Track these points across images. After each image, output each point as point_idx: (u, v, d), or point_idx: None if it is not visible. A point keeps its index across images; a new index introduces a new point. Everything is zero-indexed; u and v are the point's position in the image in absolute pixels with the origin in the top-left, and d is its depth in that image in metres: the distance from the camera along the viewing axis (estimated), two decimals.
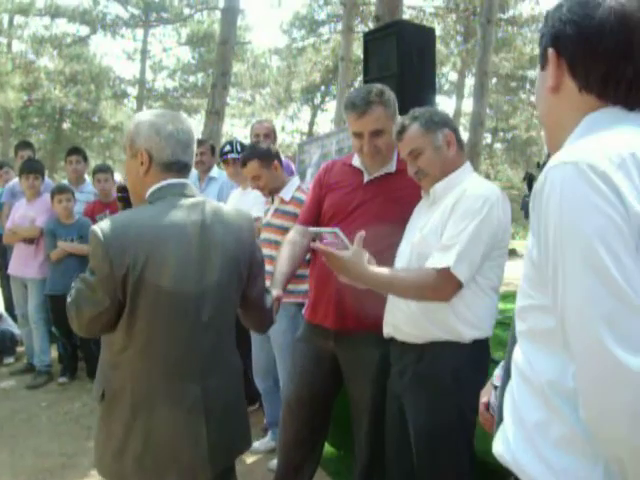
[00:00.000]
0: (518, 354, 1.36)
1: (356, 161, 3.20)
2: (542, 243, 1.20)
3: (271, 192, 4.29)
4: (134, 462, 2.20)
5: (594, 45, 1.28)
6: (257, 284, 2.51)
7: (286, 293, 3.11)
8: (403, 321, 2.72)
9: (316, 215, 3.26)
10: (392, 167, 3.11)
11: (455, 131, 2.79)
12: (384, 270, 2.61)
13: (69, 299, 2.27)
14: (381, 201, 3.04)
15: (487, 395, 2.10)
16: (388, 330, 2.84)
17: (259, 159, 4.26)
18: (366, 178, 3.14)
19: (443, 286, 2.54)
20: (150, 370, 2.22)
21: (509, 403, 1.38)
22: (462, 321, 2.62)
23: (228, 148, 5.22)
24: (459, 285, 2.54)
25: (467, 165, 2.83)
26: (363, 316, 2.97)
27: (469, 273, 2.54)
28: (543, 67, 1.41)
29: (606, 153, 1.15)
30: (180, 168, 2.33)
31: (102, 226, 2.15)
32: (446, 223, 2.61)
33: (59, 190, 6.23)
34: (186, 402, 2.22)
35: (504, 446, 1.36)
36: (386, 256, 2.85)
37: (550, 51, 1.36)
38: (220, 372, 2.33)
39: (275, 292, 2.84)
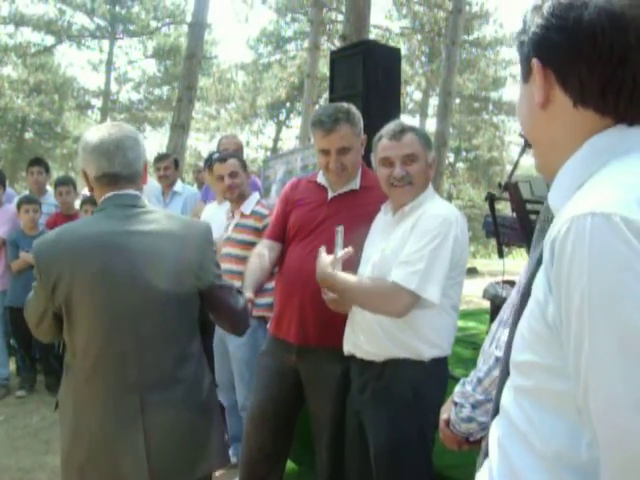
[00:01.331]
0: (513, 407, 1.22)
1: (321, 178, 3.24)
2: (563, 304, 1.03)
3: (240, 196, 4.31)
4: (78, 473, 2.23)
5: (586, 52, 1.10)
6: (217, 289, 2.41)
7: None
8: (364, 339, 2.74)
9: (282, 231, 3.29)
10: (356, 184, 3.16)
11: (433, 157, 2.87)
12: (349, 275, 2.69)
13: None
14: (345, 217, 3.07)
15: (447, 412, 2.12)
16: (348, 348, 2.86)
17: (238, 159, 4.42)
18: (330, 195, 3.18)
19: (397, 300, 2.57)
20: (90, 378, 2.24)
21: (500, 456, 1.24)
22: (422, 340, 2.66)
23: (217, 156, 5.24)
24: (414, 302, 2.58)
25: (430, 188, 2.87)
26: (325, 332, 3.00)
27: (437, 291, 2.58)
28: (526, 79, 1.23)
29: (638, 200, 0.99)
30: (111, 181, 2.30)
31: (38, 240, 2.30)
32: (406, 243, 2.64)
33: (27, 200, 6.17)
34: (125, 415, 2.20)
35: None
36: (351, 272, 2.89)
37: (535, 62, 1.16)
38: (166, 387, 2.25)
39: (247, 294, 2.85)
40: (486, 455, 1.38)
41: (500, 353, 1.69)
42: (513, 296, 1.82)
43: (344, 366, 2.96)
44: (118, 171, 2.29)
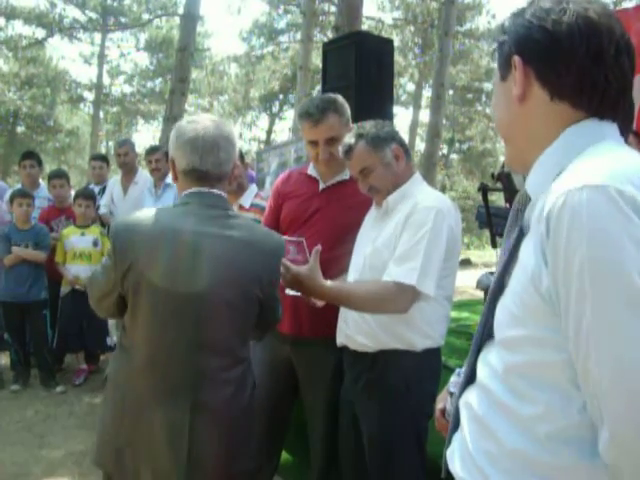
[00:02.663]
0: (496, 383, 1.27)
1: (311, 170, 3.26)
2: (561, 274, 1.08)
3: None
4: (115, 454, 2.25)
5: (566, 51, 1.22)
6: (272, 301, 2.43)
7: None
8: (356, 331, 2.74)
9: (275, 223, 3.30)
10: (346, 174, 3.16)
11: (402, 144, 2.81)
12: (340, 284, 2.66)
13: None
14: (336, 207, 3.09)
15: (443, 401, 2.12)
16: (341, 339, 2.86)
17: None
18: (321, 186, 3.19)
19: (403, 299, 2.57)
20: (144, 369, 2.23)
21: (479, 432, 1.31)
22: (415, 331, 2.66)
23: None
24: (416, 297, 2.58)
25: (417, 176, 2.86)
26: (318, 322, 3.00)
27: (433, 285, 2.58)
28: (504, 77, 1.34)
29: (626, 176, 1.07)
30: (199, 177, 2.30)
31: (117, 221, 2.35)
32: (399, 236, 2.63)
33: (20, 194, 6.13)
34: (173, 413, 2.19)
35: (467, 469, 1.33)
36: (344, 261, 2.93)
37: (516, 59, 1.28)
38: (216, 388, 2.27)
39: None
40: (454, 430, 1.46)
41: None
42: None
43: (338, 356, 2.97)
44: (209, 169, 2.29)
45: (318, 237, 3.02)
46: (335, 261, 2.90)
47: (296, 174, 3.39)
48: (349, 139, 2.77)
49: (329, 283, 2.56)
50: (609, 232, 1.03)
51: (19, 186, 6.95)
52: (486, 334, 1.40)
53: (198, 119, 2.35)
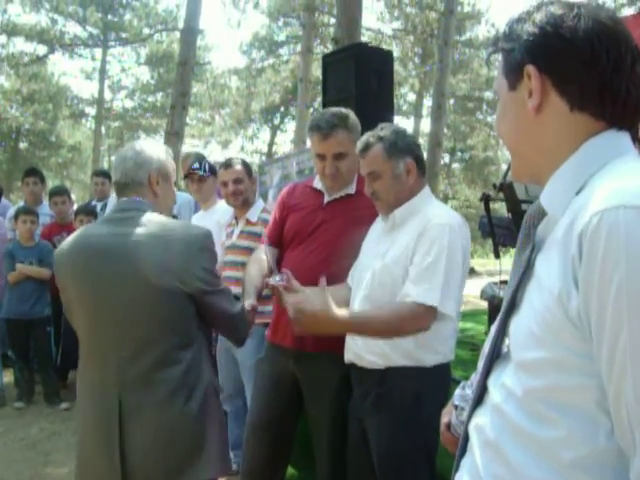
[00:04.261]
0: (512, 407, 1.21)
1: (317, 183, 3.25)
2: (594, 297, 1.04)
3: (244, 202, 4.27)
4: (76, 459, 2.45)
5: (587, 59, 1.17)
6: (208, 295, 2.39)
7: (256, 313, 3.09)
8: (365, 349, 2.71)
9: (279, 236, 3.29)
10: (352, 188, 3.15)
11: (417, 158, 2.77)
12: (357, 313, 2.61)
13: None
14: (341, 221, 3.08)
15: (448, 415, 2.11)
16: (349, 357, 2.83)
17: (243, 165, 4.34)
18: (326, 199, 3.18)
19: (424, 320, 2.53)
20: (81, 373, 2.43)
21: (492, 457, 1.25)
22: (426, 348, 2.63)
23: (197, 165, 5.22)
24: (436, 317, 2.54)
25: (426, 190, 2.82)
26: (322, 337, 2.99)
27: (454, 305, 2.56)
28: (514, 87, 1.27)
29: None
30: (117, 188, 2.53)
31: (59, 247, 2.55)
32: (412, 254, 2.60)
33: (25, 211, 6.16)
34: (102, 413, 2.29)
35: None
36: (346, 275, 2.94)
37: (531, 68, 1.21)
38: (144, 388, 2.29)
39: (249, 302, 2.80)
40: (462, 455, 1.40)
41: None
42: None
43: (343, 371, 2.94)
44: (118, 179, 2.50)
45: (321, 250, 3.03)
46: (338, 275, 2.90)
47: (301, 187, 3.39)
48: (368, 137, 2.75)
49: (344, 314, 2.44)
50: None
51: (22, 203, 6.96)
52: (496, 353, 1.35)
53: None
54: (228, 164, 4.33)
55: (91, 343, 2.38)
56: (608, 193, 1.06)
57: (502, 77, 1.31)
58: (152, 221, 2.37)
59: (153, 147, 2.57)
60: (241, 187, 4.25)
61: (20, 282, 5.96)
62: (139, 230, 2.32)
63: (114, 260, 2.29)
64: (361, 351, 2.73)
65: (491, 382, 1.33)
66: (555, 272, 1.12)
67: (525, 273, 1.25)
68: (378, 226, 2.91)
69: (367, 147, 2.73)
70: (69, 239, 2.49)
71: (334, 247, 3.02)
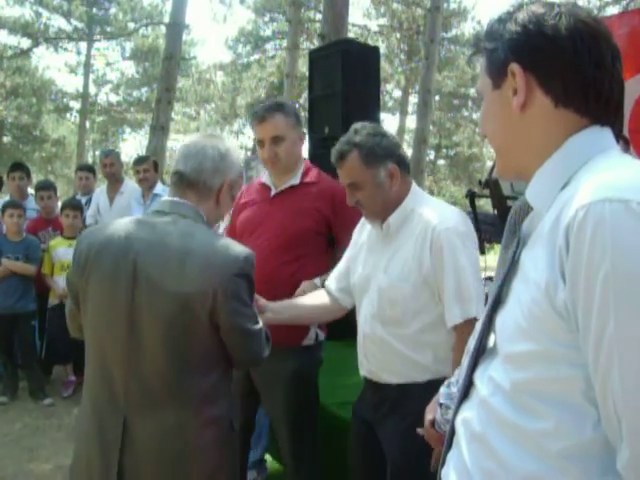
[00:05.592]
0: (500, 400, 1.22)
1: (265, 178, 3.31)
2: (582, 289, 1.05)
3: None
4: (70, 471, 2.23)
5: (570, 57, 1.19)
6: (226, 319, 2.10)
7: None
8: (380, 368, 2.63)
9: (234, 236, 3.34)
10: (296, 179, 3.20)
11: (399, 160, 2.59)
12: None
13: None
14: (285, 213, 3.12)
15: (432, 412, 2.11)
16: (364, 373, 2.74)
17: None
18: (272, 192, 3.24)
19: (470, 330, 2.44)
20: (87, 385, 2.21)
21: (479, 450, 1.25)
22: (443, 360, 2.51)
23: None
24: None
25: (414, 189, 2.66)
26: (273, 330, 3.01)
27: (482, 307, 2.41)
28: (498, 85, 1.28)
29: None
30: (176, 180, 2.23)
31: (84, 231, 2.34)
32: (421, 265, 2.45)
33: (12, 205, 6.11)
34: (106, 430, 2.09)
35: None
36: (294, 268, 3.00)
37: (515, 66, 1.23)
38: (153, 411, 2.08)
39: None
40: (448, 450, 1.40)
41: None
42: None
43: (296, 362, 3.04)
44: (185, 171, 2.21)
45: (267, 244, 3.07)
46: (284, 268, 2.98)
47: (255, 184, 3.44)
48: (342, 145, 2.56)
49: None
50: (634, 247, 1.01)
51: (7, 198, 6.92)
52: (482, 348, 1.36)
53: (204, 134, 2.35)
54: None
55: (98, 358, 2.14)
56: (594, 187, 1.07)
57: (485, 76, 1.32)
58: (198, 234, 2.12)
59: (237, 151, 2.35)
60: None
61: (5, 277, 5.92)
62: (180, 243, 2.07)
63: (142, 272, 2.05)
64: (376, 369, 2.65)
65: (477, 376, 1.33)
66: (542, 265, 1.13)
67: (511, 268, 1.26)
68: (370, 235, 2.76)
69: (342, 155, 2.55)
70: (99, 227, 2.26)
71: (279, 240, 3.07)
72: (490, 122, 1.34)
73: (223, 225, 4.41)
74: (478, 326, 1.41)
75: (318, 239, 3.15)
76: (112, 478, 2.05)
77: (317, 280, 3.04)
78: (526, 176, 1.30)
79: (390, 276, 2.54)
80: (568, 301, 1.08)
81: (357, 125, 2.63)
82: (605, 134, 1.23)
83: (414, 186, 2.68)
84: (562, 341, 1.11)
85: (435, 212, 2.53)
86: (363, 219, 2.82)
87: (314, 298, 2.90)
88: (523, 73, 1.23)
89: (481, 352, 1.36)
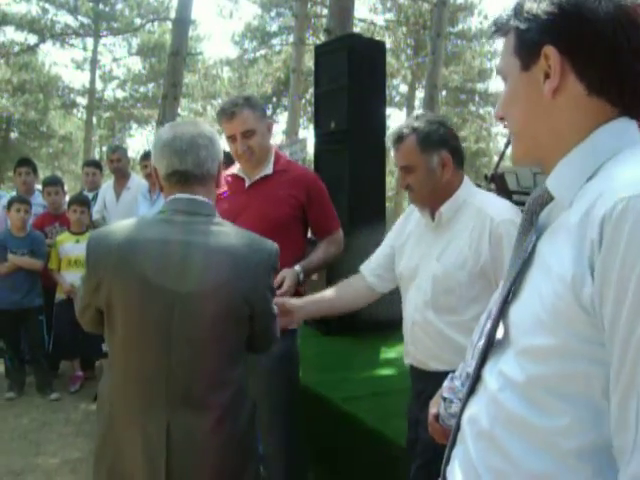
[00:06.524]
0: (510, 396, 1.18)
1: (238, 169, 3.34)
2: (613, 285, 1.00)
3: None
4: (107, 472, 2.17)
5: (609, 43, 1.12)
6: (262, 307, 2.22)
7: None
8: (428, 357, 2.63)
9: None
10: (269, 169, 3.26)
11: (453, 150, 2.60)
12: None
13: None
14: (260, 203, 3.17)
15: (436, 406, 2.11)
16: (409, 360, 2.75)
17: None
18: (247, 183, 3.28)
19: None
20: (123, 385, 2.15)
21: (488, 448, 1.22)
22: None
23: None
24: None
25: (467, 182, 2.67)
26: None
27: None
28: (528, 67, 1.22)
29: None
30: (181, 179, 2.18)
31: (93, 233, 2.28)
32: (479, 255, 2.47)
33: (19, 200, 6.11)
34: (150, 432, 2.07)
35: None
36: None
37: (551, 50, 1.16)
38: (195, 411, 2.10)
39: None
40: (452, 447, 1.37)
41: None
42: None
43: (279, 347, 3.02)
44: (188, 169, 2.18)
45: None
46: None
47: (225, 176, 3.42)
48: (401, 128, 2.61)
49: None
50: None
51: (14, 193, 6.94)
52: (491, 342, 1.30)
53: (176, 123, 2.32)
54: None
55: (137, 359, 2.11)
56: (632, 180, 1.02)
57: (513, 57, 1.25)
58: (227, 231, 2.18)
59: (212, 131, 2.32)
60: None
61: (12, 272, 5.94)
62: (213, 242, 2.11)
63: (178, 273, 2.05)
64: (424, 358, 2.65)
65: (487, 371, 1.29)
66: (568, 258, 1.08)
67: (527, 260, 1.22)
68: (419, 225, 2.77)
69: (400, 138, 2.59)
70: (114, 230, 2.20)
71: (261, 227, 2.98)
72: (513, 105, 1.27)
73: None
74: (483, 318, 1.38)
75: (297, 224, 3.23)
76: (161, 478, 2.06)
77: (297, 267, 3.10)
78: (545, 163, 1.26)
79: (445, 265, 2.54)
80: (595, 296, 1.03)
81: (419, 112, 2.71)
82: (635, 127, 1.17)
83: (467, 179, 2.69)
84: (584, 336, 1.06)
85: (490, 204, 2.55)
86: (409, 209, 2.85)
87: (344, 287, 2.93)
88: (559, 57, 1.16)
89: (490, 345, 1.31)
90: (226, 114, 3.17)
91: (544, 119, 1.22)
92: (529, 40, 1.20)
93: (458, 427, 1.36)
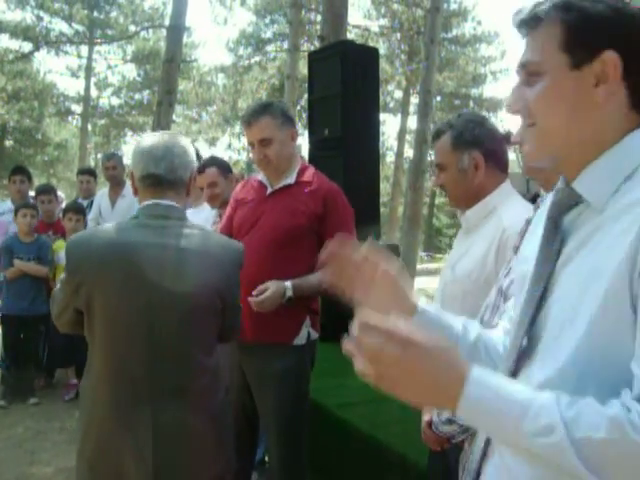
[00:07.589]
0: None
1: (262, 176, 3.34)
2: None
3: (222, 204, 4.28)
4: (87, 464, 2.28)
5: None
6: (233, 309, 2.47)
7: None
8: None
9: (230, 230, 3.37)
10: (292, 179, 3.23)
11: (488, 152, 2.48)
12: None
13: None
14: (279, 212, 3.16)
15: (429, 413, 2.11)
16: None
17: (218, 167, 4.33)
18: (268, 191, 3.27)
19: None
20: (105, 382, 2.27)
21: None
22: None
23: None
24: None
25: (504, 186, 2.53)
26: (261, 328, 3.06)
27: None
28: (578, 67, 1.16)
29: None
30: (154, 183, 2.34)
31: (73, 235, 2.41)
32: (484, 265, 2.37)
33: (25, 205, 6.12)
34: (134, 422, 2.21)
35: None
36: (285, 266, 3.03)
37: (612, 55, 1.12)
38: (178, 398, 2.25)
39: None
40: (483, 456, 1.32)
41: (508, 325, 1.48)
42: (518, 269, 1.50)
43: (286, 363, 3.05)
44: (161, 174, 2.33)
45: (261, 242, 3.10)
46: (275, 265, 3.03)
47: (252, 181, 3.46)
48: (441, 125, 2.59)
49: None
50: None
51: (8, 201, 6.93)
52: (522, 350, 1.24)
53: (155, 133, 2.47)
54: (200, 169, 4.27)
55: (120, 355, 2.26)
56: None
57: (559, 52, 1.18)
58: (196, 235, 2.35)
59: (187, 142, 2.48)
60: (217, 190, 4.25)
61: (18, 278, 5.92)
62: (186, 243, 2.29)
63: (156, 273, 2.21)
64: None
65: (521, 380, 1.21)
66: (617, 260, 1.06)
67: (556, 264, 1.19)
68: (460, 231, 2.72)
69: (437, 134, 2.56)
70: (94, 233, 2.40)
71: (271, 238, 3.10)
72: (552, 101, 1.20)
73: (213, 223, 4.41)
74: (516, 325, 1.29)
75: (311, 237, 3.15)
76: (149, 467, 2.18)
77: (288, 282, 3.00)
78: (563, 165, 1.23)
79: (455, 273, 2.50)
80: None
81: (464, 110, 2.65)
82: None
83: (505, 185, 2.54)
84: (633, 339, 1.04)
85: (510, 213, 2.38)
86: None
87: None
88: (621, 64, 1.13)
89: (521, 354, 1.25)
90: (245, 121, 3.21)
91: (585, 120, 1.17)
92: (586, 39, 1.15)
93: (489, 440, 1.31)
